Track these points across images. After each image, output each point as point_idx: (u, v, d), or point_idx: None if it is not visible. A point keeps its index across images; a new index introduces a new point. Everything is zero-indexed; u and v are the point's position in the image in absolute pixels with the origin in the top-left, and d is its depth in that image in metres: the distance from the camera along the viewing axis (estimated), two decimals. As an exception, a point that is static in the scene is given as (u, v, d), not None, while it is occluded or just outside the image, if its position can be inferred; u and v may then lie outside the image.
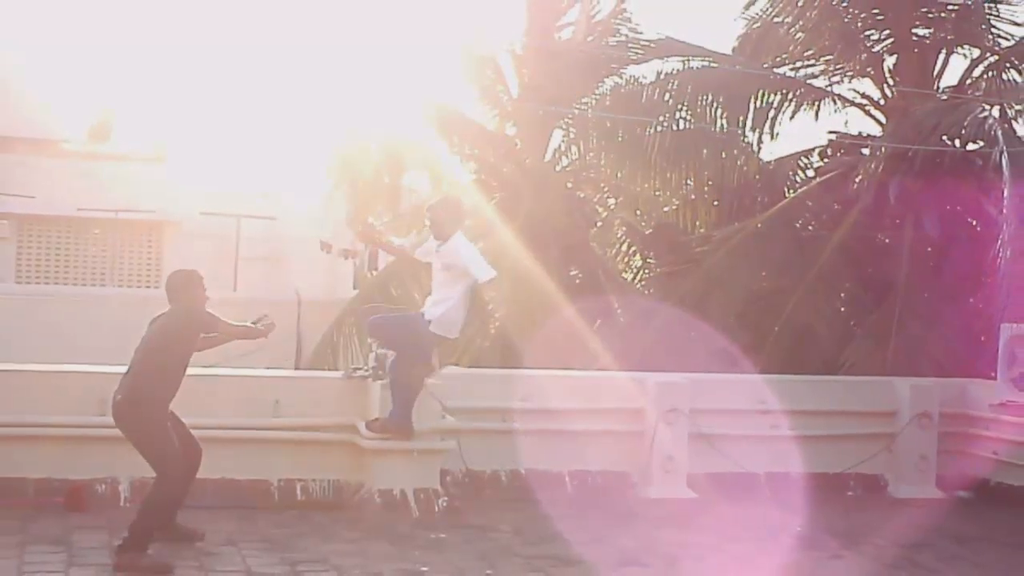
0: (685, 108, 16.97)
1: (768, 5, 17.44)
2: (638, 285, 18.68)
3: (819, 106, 17.31)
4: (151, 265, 24.71)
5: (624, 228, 19.33)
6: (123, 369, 8.56)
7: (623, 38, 18.21)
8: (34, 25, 26.73)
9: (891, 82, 16.95)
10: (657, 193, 18.53)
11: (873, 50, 16.97)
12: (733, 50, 18.10)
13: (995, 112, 15.30)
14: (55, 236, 24.14)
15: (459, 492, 10.67)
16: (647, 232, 18.87)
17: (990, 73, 16.76)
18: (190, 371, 8.81)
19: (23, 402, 9.90)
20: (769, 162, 17.65)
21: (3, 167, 23.45)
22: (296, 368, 17.00)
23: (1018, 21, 16.72)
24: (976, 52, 16.89)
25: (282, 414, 10.33)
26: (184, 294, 8.55)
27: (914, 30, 16.79)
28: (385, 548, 8.95)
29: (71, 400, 9.88)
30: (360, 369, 10.80)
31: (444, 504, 10.25)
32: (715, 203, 17.78)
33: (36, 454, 9.79)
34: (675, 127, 16.97)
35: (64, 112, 25.49)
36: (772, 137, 17.15)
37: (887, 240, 16.12)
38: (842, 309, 16.38)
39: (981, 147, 15.20)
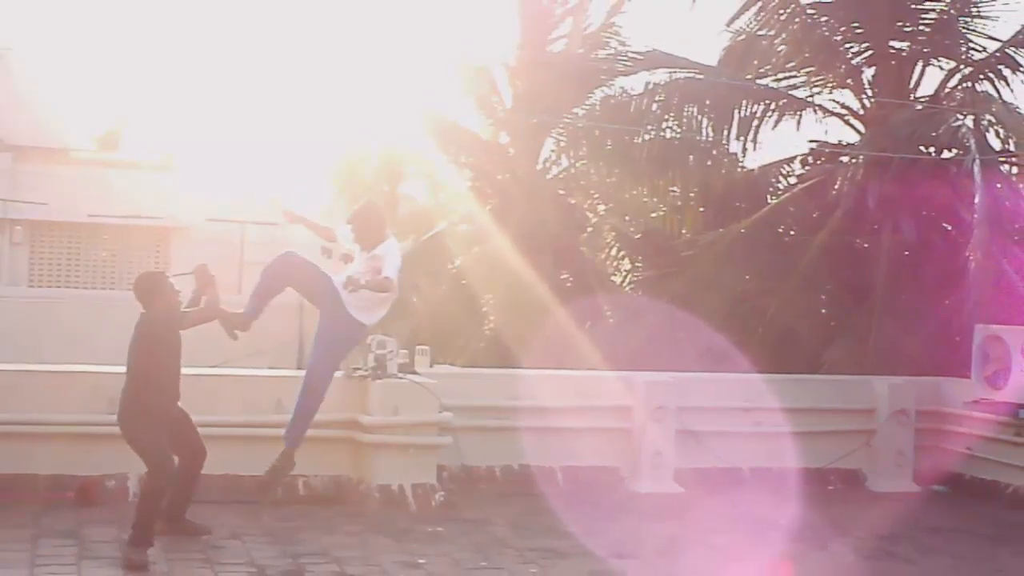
0: (672, 118, 17.12)
1: (752, 19, 17.55)
2: (627, 288, 18.84)
3: (801, 116, 17.46)
4: (158, 269, 24.87)
5: (613, 233, 19.46)
6: (129, 370, 8.74)
7: (613, 51, 18.41)
8: (46, 36, 26.95)
9: (869, 93, 17.12)
10: (645, 200, 18.76)
11: (852, 62, 17.15)
12: (718, 62, 18.19)
13: (969, 121, 15.45)
14: (66, 241, 24.25)
15: (455, 487, 10.83)
16: (636, 237, 19.01)
17: (965, 84, 16.93)
18: (197, 371, 9.04)
19: (35, 401, 10.04)
20: (753, 170, 17.85)
21: (17, 175, 23.63)
22: (298, 369, 17.19)
23: (992, 35, 16.93)
24: (951, 64, 17.05)
25: (285, 412, 10.26)
26: (154, 299, 8.55)
27: (892, 43, 16.93)
28: (384, 541, 9.12)
29: (81, 398, 9.98)
30: (360, 369, 10.91)
31: (441, 499, 10.44)
32: (701, 209, 17.98)
33: (47, 451, 9.91)
34: (662, 136, 17.14)
35: (75, 121, 25.67)
36: (755, 146, 17.35)
37: (866, 244, 16.33)
38: (823, 310, 16.59)
39: (955, 155, 15.44)
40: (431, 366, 11.64)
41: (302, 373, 10.33)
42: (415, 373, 11.03)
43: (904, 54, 17.03)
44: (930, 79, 17.27)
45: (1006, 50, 16.81)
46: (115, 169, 24.61)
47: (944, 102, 16.73)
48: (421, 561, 8.59)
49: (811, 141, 17.46)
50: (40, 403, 10.09)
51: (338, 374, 10.93)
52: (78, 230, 24.37)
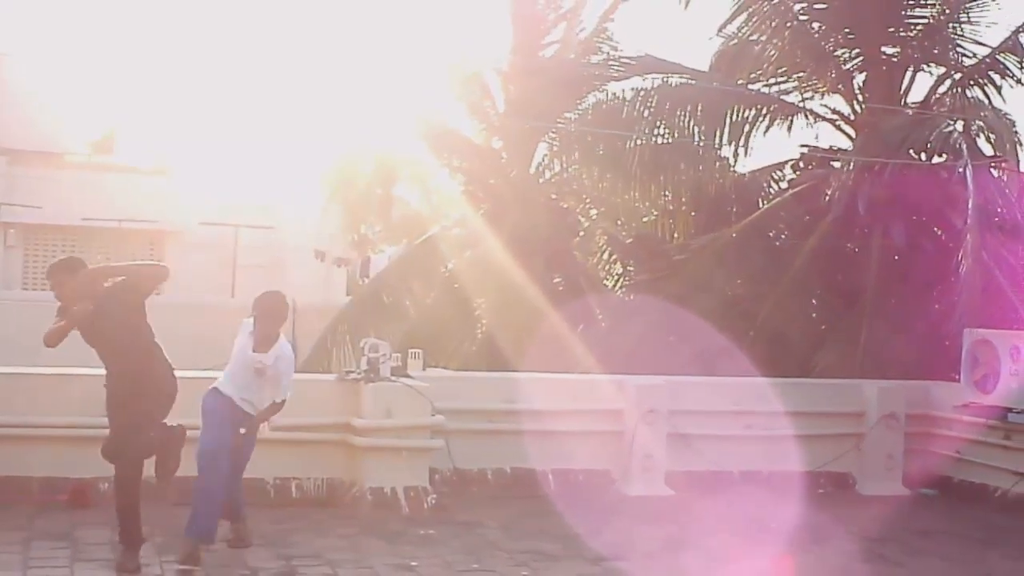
0: (664, 123, 17.19)
1: (743, 24, 17.61)
2: (619, 292, 18.85)
3: (792, 121, 17.54)
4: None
5: (606, 237, 19.48)
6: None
7: (605, 56, 18.50)
8: (41, 41, 27.02)
9: (860, 98, 17.18)
10: (637, 204, 18.71)
11: (843, 67, 17.21)
12: (710, 67, 18.30)
13: (959, 127, 15.62)
14: (61, 244, 24.33)
15: (447, 490, 10.90)
16: (627, 241, 19.02)
17: (955, 90, 17.01)
18: (191, 374, 8.94)
19: (28, 403, 10.09)
20: (744, 174, 17.87)
21: (12, 179, 23.72)
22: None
23: (981, 41, 17.03)
24: (941, 70, 17.15)
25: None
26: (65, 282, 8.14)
27: (882, 49, 17.01)
28: (377, 544, 9.20)
29: (74, 401, 9.96)
30: (353, 372, 11.02)
31: (433, 501, 10.50)
32: (692, 213, 17.99)
33: (40, 453, 9.96)
34: (654, 141, 17.19)
35: (70, 126, 25.74)
36: (747, 151, 17.41)
37: (856, 249, 16.37)
38: (813, 315, 16.66)
39: (946, 160, 15.53)
40: (424, 369, 11.76)
41: (295, 376, 10.22)
42: (408, 376, 11.10)
43: (895, 60, 17.12)
44: (920, 85, 17.44)
45: (996, 56, 16.93)
46: (109, 173, 24.74)
47: (934, 108, 16.84)
48: (413, 563, 8.66)
49: (802, 146, 17.60)
50: (34, 406, 10.13)
51: (331, 377, 10.94)
52: (72, 233, 24.46)
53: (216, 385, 8.72)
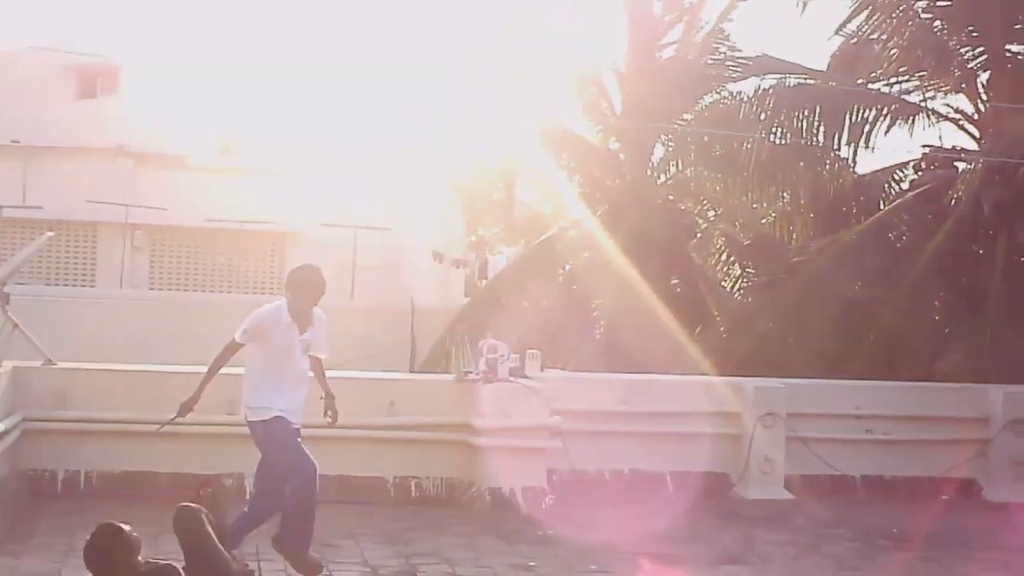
0: (782, 123, 17.03)
1: (863, 23, 17.38)
2: (737, 294, 18.82)
3: (913, 121, 17.20)
4: (274, 273, 25.46)
5: (723, 239, 19.43)
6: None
7: (721, 56, 18.41)
8: (168, 48, 27.72)
9: (984, 97, 16.84)
10: (755, 205, 18.66)
11: (967, 66, 16.86)
12: (828, 67, 18.15)
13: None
14: (185, 246, 24.99)
15: (565, 491, 10.88)
16: (745, 243, 18.95)
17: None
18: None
19: (158, 402, 9.92)
20: (864, 175, 17.64)
21: (138, 181, 24.38)
22: (410, 371, 17.42)
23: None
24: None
25: (397, 415, 10.63)
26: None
27: (1007, 47, 16.68)
28: (495, 543, 9.29)
29: (202, 400, 9.74)
30: (471, 372, 11.14)
31: (550, 502, 10.54)
32: (811, 215, 17.84)
33: (169, 450, 10.20)
34: (772, 141, 17.04)
35: (193, 129, 26.39)
36: (869, 151, 17.09)
37: (980, 251, 16.09)
38: (936, 317, 16.38)
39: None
40: (541, 370, 11.77)
41: (414, 376, 10.41)
42: (526, 377, 11.17)
43: (1020, 57, 16.78)
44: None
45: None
46: (231, 175, 25.24)
47: (1062, 106, 16.44)
48: (532, 563, 8.72)
49: (924, 146, 17.29)
50: (164, 404, 10.24)
51: (449, 377, 11.00)
52: (196, 235, 25.05)
53: (269, 408, 8.15)
